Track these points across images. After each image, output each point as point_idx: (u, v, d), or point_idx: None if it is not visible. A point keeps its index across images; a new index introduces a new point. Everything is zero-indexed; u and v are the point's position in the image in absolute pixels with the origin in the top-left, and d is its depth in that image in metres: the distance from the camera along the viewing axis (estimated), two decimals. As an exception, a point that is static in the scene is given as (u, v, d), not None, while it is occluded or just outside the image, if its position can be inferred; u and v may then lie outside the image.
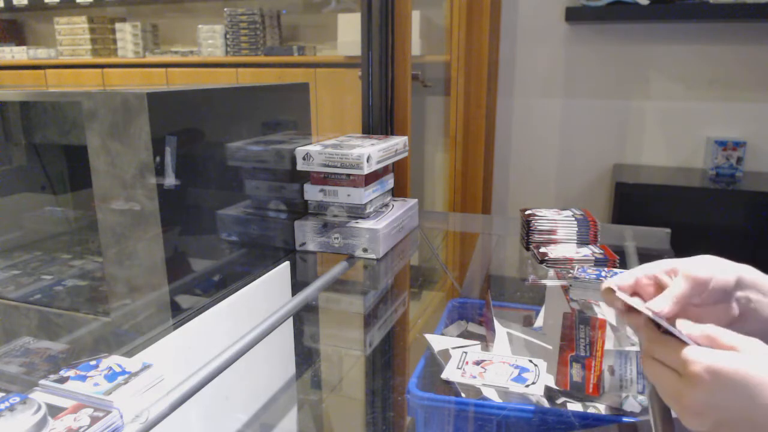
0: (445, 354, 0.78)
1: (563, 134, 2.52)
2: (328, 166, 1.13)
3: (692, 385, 0.46)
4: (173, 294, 0.85)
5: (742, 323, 0.56)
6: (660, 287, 0.56)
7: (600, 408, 0.72)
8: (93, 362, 0.60)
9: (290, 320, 0.91)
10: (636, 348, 0.77)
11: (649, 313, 0.52)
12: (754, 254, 2.01)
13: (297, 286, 1.02)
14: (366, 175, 1.12)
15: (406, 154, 1.35)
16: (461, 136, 2.35)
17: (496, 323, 0.85)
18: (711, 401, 0.45)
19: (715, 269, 0.55)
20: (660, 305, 0.52)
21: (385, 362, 0.91)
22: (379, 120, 1.41)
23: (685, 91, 2.32)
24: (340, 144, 1.19)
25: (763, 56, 2.20)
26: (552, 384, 0.73)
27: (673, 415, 0.54)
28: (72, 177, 1.23)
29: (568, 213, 1.12)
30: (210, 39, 3.10)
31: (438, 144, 2.73)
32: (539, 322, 0.90)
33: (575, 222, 1.09)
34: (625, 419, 0.65)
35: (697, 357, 0.46)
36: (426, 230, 1.43)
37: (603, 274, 0.91)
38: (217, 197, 0.95)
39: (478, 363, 0.74)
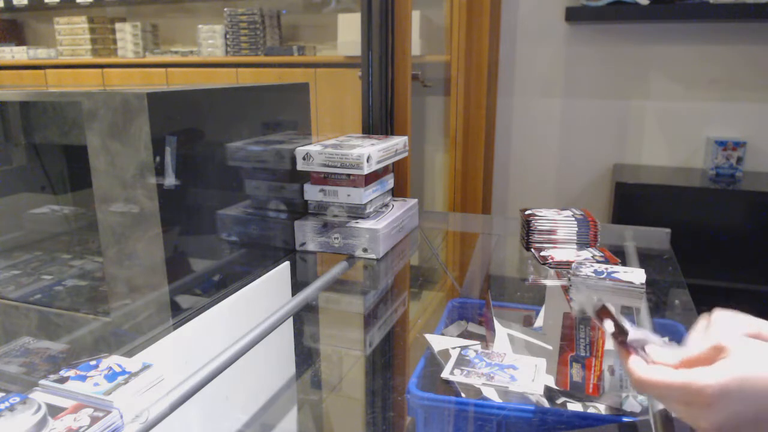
0: (445, 354, 0.79)
1: (563, 134, 2.52)
2: (328, 166, 1.13)
3: (707, 409, 0.45)
4: (173, 294, 0.85)
5: None
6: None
7: (600, 408, 0.72)
8: (93, 362, 0.60)
9: (290, 320, 0.91)
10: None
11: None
12: (754, 254, 2.01)
13: (297, 286, 1.02)
14: (366, 175, 1.12)
15: (406, 154, 1.35)
16: (461, 136, 2.35)
17: (496, 323, 0.85)
18: (727, 416, 0.45)
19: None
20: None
21: (385, 362, 0.91)
22: (379, 120, 1.41)
23: (685, 91, 2.32)
24: (340, 144, 1.19)
25: (763, 56, 2.20)
26: (552, 384, 0.73)
27: (673, 414, 0.54)
28: (72, 177, 1.23)
29: (568, 213, 1.12)
30: (210, 39, 3.10)
31: (438, 144, 2.73)
32: (539, 322, 0.90)
33: (575, 222, 1.09)
34: (625, 419, 0.65)
35: (702, 383, 0.45)
36: (426, 230, 1.43)
37: (602, 269, 0.91)
38: (217, 197, 0.95)
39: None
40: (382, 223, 1.14)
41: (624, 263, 1.00)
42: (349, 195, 1.14)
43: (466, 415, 0.69)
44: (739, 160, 2.21)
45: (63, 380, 0.57)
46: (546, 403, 0.71)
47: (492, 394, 0.71)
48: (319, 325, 1.04)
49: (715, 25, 2.23)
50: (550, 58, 2.46)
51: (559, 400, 0.73)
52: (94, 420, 0.52)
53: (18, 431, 0.48)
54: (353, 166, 1.10)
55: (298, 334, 0.95)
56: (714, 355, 0.47)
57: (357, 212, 1.16)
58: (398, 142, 1.29)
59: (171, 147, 0.81)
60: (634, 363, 0.51)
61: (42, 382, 0.57)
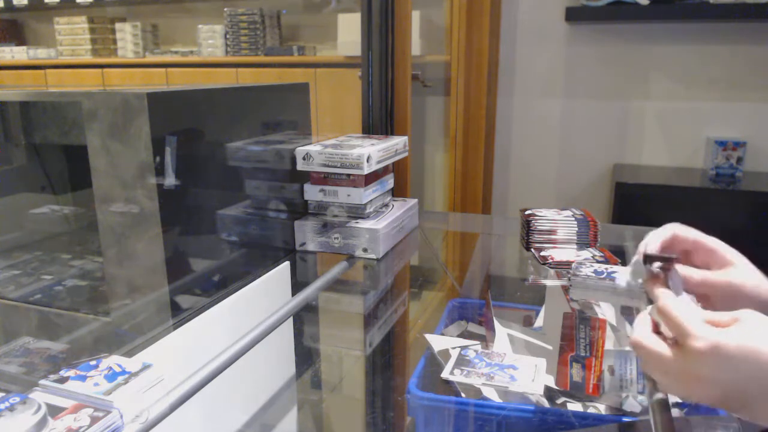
0: (445, 354, 0.78)
1: (563, 134, 2.52)
2: (328, 166, 1.13)
3: (695, 360, 0.46)
4: (173, 294, 0.85)
5: None
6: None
7: (600, 408, 0.72)
8: (93, 362, 0.60)
9: (290, 320, 0.91)
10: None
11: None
12: (754, 254, 2.01)
13: (297, 286, 1.02)
14: (366, 175, 1.12)
15: (406, 154, 1.34)
16: (461, 136, 2.35)
17: (496, 323, 0.85)
18: (716, 375, 0.46)
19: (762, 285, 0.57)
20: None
21: (385, 362, 0.91)
22: (379, 120, 1.41)
23: (685, 91, 2.32)
24: (340, 144, 1.19)
25: (763, 56, 2.20)
26: (552, 384, 0.73)
27: (673, 414, 0.54)
28: (72, 177, 1.23)
29: (568, 213, 1.12)
30: (210, 39, 3.10)
31: (438, 144, 2.73)
32: (539, 322, 0.90)
33: (575, 222, 1.09)
34: (625, 419, 0.65)
35: (702, 332, 0.47)
36: (426, 230, 1.43)
37: (602, 269, 0.91)
38: (217, 197, 0.95)
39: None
40: (382, 223, 1.14)
41: (624, 263, 1.00)
42: (349, 195, 1.14)
43: (466, 415, 0.69)
44: (739, 160, 2.21)
45: (63, 380, 0.57)
46: (546, 403, 0.71)
47: (492, 394, 0.71)
48: (319, 325, 1.04)
49: (715, 25, 2.23)
50: (550, 58, 2.46)
51: (559, 400, 0.73)
52: (94, 420, 0.52)
53: (18, 431, 0.48)
54: (353, 166, 1.10)
55: (298, 334, 0.95)
56: (729, 323, 0.48)
57: (357, 212, 1.16)
58: (398, 142, 1.29)
59: (171, 147, 0.81)
60: (665, 291, 0.53)
61: (42, 382, 0.57)
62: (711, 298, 0.58)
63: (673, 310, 0.50)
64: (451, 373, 0.72)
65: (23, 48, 3.49)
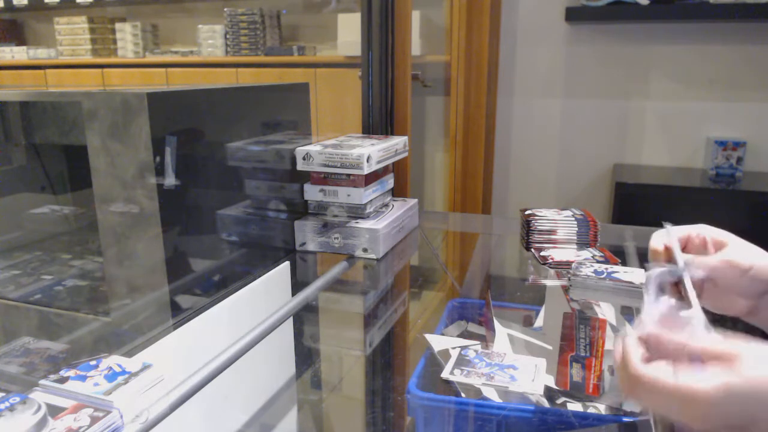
0: (445, 354, 0.79)
1: (563, 134, 2.52)
2: (328, 166, 1.13)
3: (703, 404, 0.43)
4: (173, 294, 0.85)
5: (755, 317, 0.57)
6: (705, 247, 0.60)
7: (600, 408, 0.71)
8: (93, 362, 0.60)
9: (290, 320, 0.91)
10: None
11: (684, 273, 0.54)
12: (754, 254, 2.01)
13: (297, 286, 1.02)
14: (366, 175, 1.12)
15: (406, 154, 1.35)
16: (461, 136, 2.36)
17: (496, 323, 0.85)
18: (725, 421, 0.43)
19: (757, 260, 0.57)
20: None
21: (385, 362, 0.91)
22: (379, 120, 1.41)
23: (685, 91, 2.32)
24: (340, 144, 1.19)
25: (763, 56, 2.20)
26: (552, 384, 0.73)
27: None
28: (72, 177, 1.23)
29: (568, 213, 1.12)
30: (210, 39, 3.10)
31: (438, 144, 2.73)
32: (539, 322, 0.90)
33: (575, 222, 1.09)
34: (625, 419, 0.65)
35: (697, 389, 0.42)
36: (426, 230, 1.43)
37: (602, 269, 0.91)
38: (217, 197, 0.95)
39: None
40: (382, 223, 1.14)
41: (624, 263, 1.00)
42: (349, 195, 1.14)
43: (466, 415, 0.69)
44: (739, 160, 2.21)
45: (63, 380, 0.57)
46: (546, 403, 0.71)
47: (492, 394, 0.71)
48: (319, 325, 1.04)
49: (715, 25, 2.23)
50: (550, 58, 2.46)
51: (559, 400, 0.73)
52: (94, 420, 0.52)
53: (18, 431, 0.48)
54: (353, 166, 1.10)
55: (298, 334, 0.95)
56: (725, 359, 0.44)
57: (357, 212, 1.16)
58: (398, 142, 1.29)
59: (171, 147, 0.81)
60: (633, 352, 0.45)
61: (42, 382, 0.57)
62: (718, 281, 0.58)
63: (656, 379, 0.44)
64: (451, 373, 0.72)
65: (23, 48, 3.49)
